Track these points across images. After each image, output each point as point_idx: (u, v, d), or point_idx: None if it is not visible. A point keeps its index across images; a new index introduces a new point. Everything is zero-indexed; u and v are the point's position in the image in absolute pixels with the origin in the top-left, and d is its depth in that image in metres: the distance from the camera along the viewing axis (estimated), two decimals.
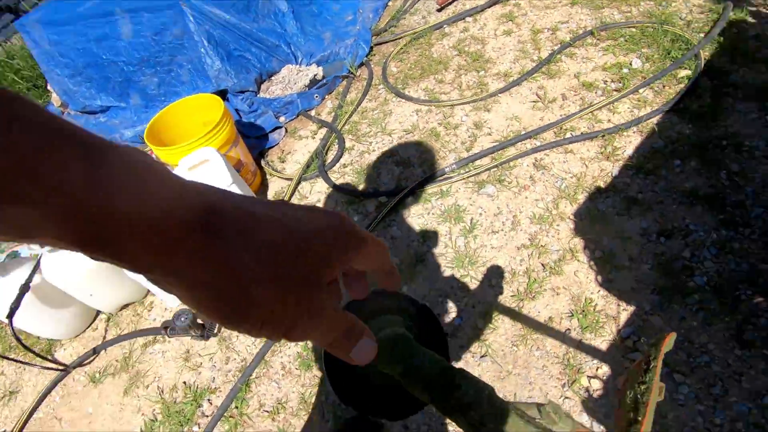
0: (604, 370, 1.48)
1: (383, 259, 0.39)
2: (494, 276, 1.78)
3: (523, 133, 2.18)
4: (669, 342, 0.54)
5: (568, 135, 2.11)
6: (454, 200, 2.05)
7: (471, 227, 1.93)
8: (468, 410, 0.45)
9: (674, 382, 1.39)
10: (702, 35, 2.30)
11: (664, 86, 2.18)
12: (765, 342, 1.41)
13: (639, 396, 0.51)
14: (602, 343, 1.53)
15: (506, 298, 1.71)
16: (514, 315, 1.66)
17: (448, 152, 2.25)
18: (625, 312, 1.57)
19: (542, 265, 1.75)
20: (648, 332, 1.51)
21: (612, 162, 1.98)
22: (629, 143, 2.02)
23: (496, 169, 2.10)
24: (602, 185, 1.91)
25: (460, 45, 2.78)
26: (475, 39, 2.78)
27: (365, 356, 0.38)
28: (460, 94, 2.50)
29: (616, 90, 2.24)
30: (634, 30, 2.47)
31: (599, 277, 1.67)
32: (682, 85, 2.13)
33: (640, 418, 0.48)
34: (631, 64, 2.31)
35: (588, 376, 1.48)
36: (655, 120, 2.05)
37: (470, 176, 2.10)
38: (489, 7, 2.95)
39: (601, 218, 1.81)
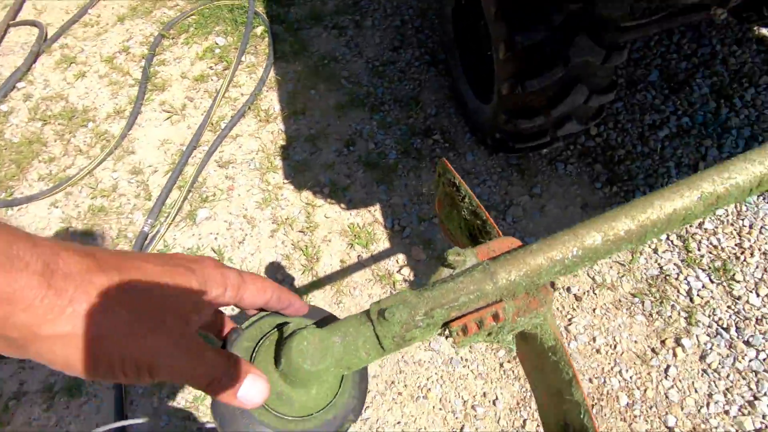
0: (401, 257, 1.71)
1: (263, 293, 0.39)
2: (275, 273, 1.72)
3: (185, 148, 2.04)
4: (446, 162, 0.65)
5: (223, 125, 2.11)
6: (181, 249, 1.80)
7: (220, 255, 1.76)
8: (412, 322, 0.43)
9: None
10: None
11: (255, 47, 2.40)
12: (432, 149, 1.91)
13: (470, 207, 0.60)
14: (384, 243, 1.75)
15: (301, 279, 1.70)
16: (317, 284, 1.68)
17: (131, 213, 1.91)
18: (376, 211, 1.82)
19: (300, 232, 1.80)
20: (399, 210, 1.81)
21: (272, 121, 2.12)
22: (272, 100, 2.19)
23: (191, 193, 1.93)
24: (283, 142, 2.05)
25: (38, 114, 2.25)
26: (51, 99, 2.30)
27: (255, 396, 0.35)
28: (87, 156, 2.09)
29: (224, 69, 2.33)
30: (194, 17, 2.56)
31: (341, 205, 1.86)
32: (266, 39, 2.40)
33: (485, 218, 0.57)
34: (217, 43, 2.43)
35: (397, 272, 1.69)
36: (272, 74, 2.27)
37: (175, 217, 1.87)
38: (34, 62, 2.45)
39: (304, 165, 1.96)
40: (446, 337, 0.46)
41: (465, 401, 1.45)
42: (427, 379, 1.49)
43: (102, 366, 0.29)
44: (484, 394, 1.46)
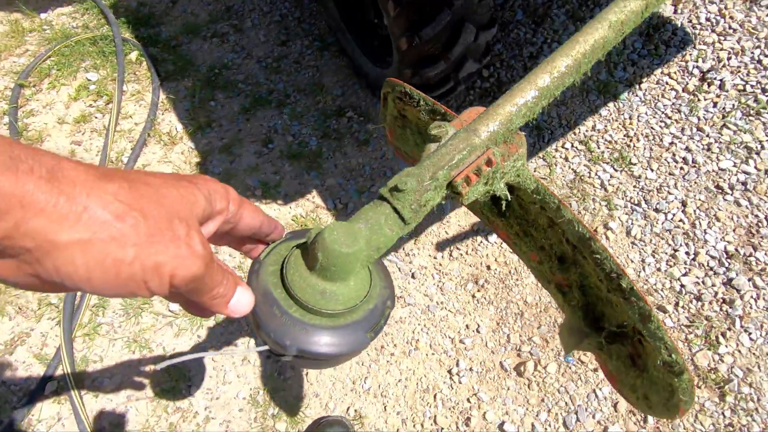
0: None
1: (258, 213, 0.41)
2: None
3: None
4: (392, 79, 0.70)
5: (125, 159, 1.96)
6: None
7: None
8: (422, 187, 0.47)
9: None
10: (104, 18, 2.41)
11: (135, 73, 2.25)
12: (349, 126, 1.98)
13: (427, 107, 0.65)
14: (328, 221, 1.76)
15: None
16: None
17: None
18: (315, 197, 1.83)
19: None
20: (336, 190, 1.83)
21: (178, 142, 2.01)
22: (172, 122, 2.08)
23: None
24: (197, 159, 1.96)
25: None
26: None
27: (243, 306, 0.38)
28: None
29: (107, 103, 2.16)
30: (53, 59, 2.33)
31: (278, 201, 1.83)
32: (144, 63, 2.26)
33: (444, 110, 0.63)
34: (89, 79, 2.24)
35: None
36: (162, 96, 2.15)
37: None
38: None
39: (227, 174, 1.90)
40: (452, 198, 0.51)
41: (452, 339, 1.53)
42: (413, 332, 1.54)
43: (124, 274, 0.27)
44: (467, 327, 1.55)
